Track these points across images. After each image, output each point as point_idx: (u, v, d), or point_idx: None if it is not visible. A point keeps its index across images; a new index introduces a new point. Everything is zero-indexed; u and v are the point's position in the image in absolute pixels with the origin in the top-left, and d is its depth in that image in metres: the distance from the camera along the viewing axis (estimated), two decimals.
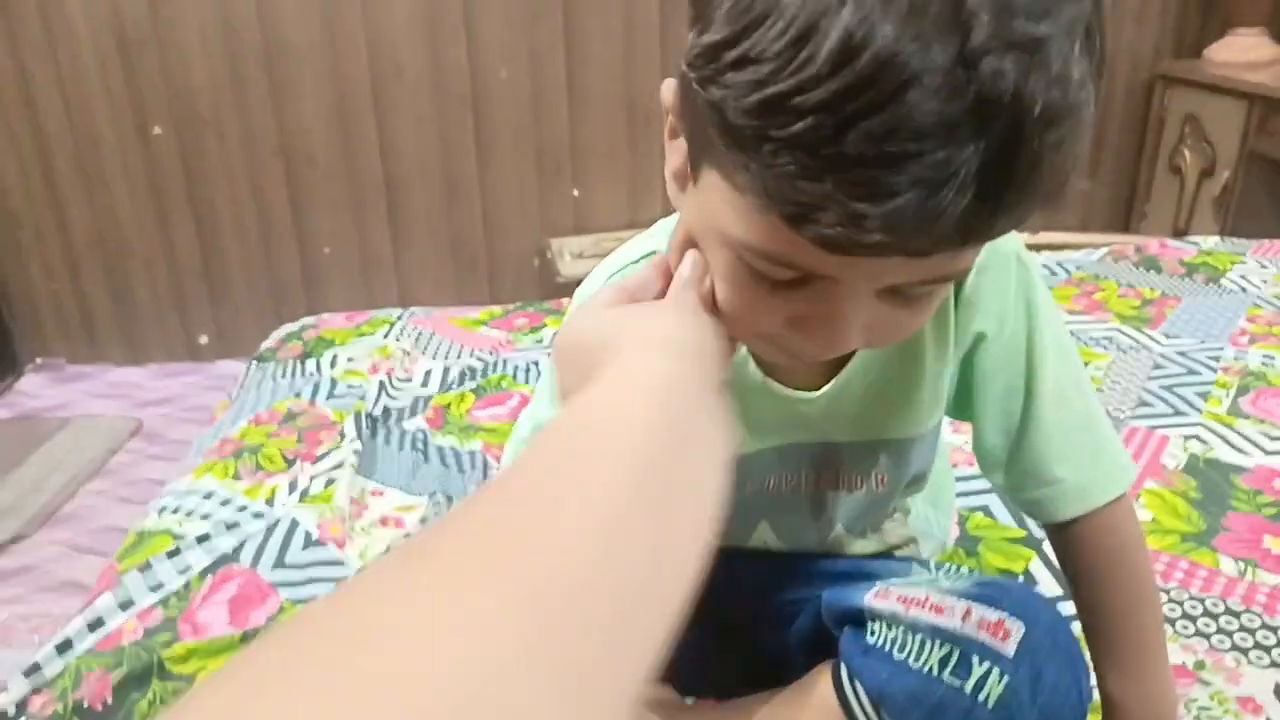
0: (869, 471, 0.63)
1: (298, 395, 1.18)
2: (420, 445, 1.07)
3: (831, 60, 0.33)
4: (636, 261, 0.58)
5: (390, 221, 2.47)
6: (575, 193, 2.49)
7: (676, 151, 0.47)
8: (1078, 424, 0.59)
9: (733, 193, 0.41)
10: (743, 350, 0.57)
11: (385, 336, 1.34)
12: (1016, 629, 0.52)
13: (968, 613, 0.53)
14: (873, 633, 0.57)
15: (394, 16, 2.28)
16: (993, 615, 0.53)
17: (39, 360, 2.50)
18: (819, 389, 0.58)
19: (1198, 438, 1.02)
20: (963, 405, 0.62)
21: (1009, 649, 0.51)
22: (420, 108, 2.36)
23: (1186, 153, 2.48)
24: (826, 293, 0.42)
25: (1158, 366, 1.19)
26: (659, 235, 0.58)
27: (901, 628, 0.55)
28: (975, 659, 0.51)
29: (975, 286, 0.56)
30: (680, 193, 0.48)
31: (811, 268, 0.41)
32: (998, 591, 0.55)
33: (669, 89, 0.46)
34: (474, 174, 2.44)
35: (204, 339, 2.52)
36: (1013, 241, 0.57)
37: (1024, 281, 0.58)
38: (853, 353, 0.57)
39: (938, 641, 0.53)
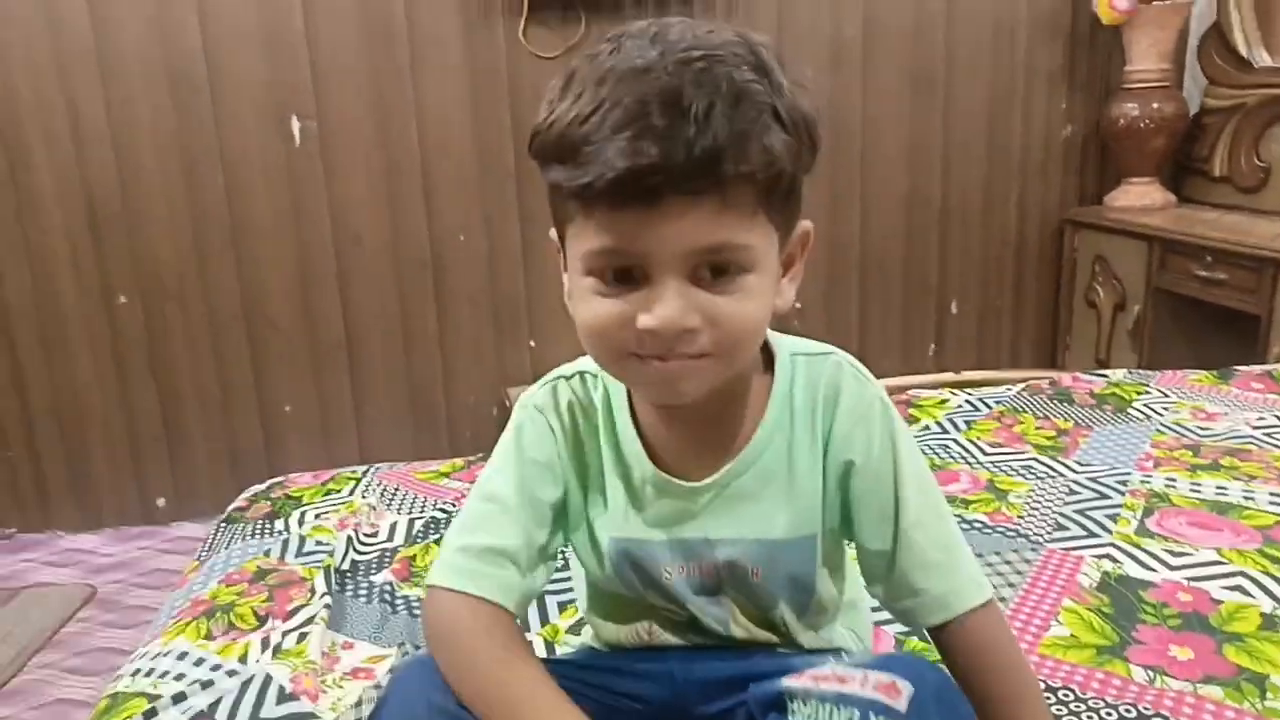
0: (744, 563, 0.74)
1: (267, 554, 1.22)
2: (388, 597, 1.12)
3: (591, 99, 0.59)
4: (569, 378, 0.78)
5: (351, 379, 2.54)
6: (532, 344, 2.60)
7: (565, 277, 0.69)
8: (937, 545, 0.72)
9: (574, 226, 0.64)
10: (638, 447, 0.74)
11: (351, 493, 1.40)
12: (906, 688, 0.61)
13: (865, 678, 0.63)
14: (792, 712, 0.65)
15: (355, 189, 2.43)
16: (886, 678, 0.62)
17: None
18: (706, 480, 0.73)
19: (1109, 557, 1.11)
20: (847, 528, 0.75)
21: (901, 704, 0.60)
22: (380, 272, 2.48)
23: (1099, 290, 2.68)
24: (653, 277, 0.61)
25: (1072, 492, 1.29)
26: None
27: (814, 701, 0.64)
28: (872, 715, 0.60)
29: (845, 424, 0.72)
30: (569, 301, 0.69)
31: (631, 245, 0.61)
32: (890, 661, 0.67)
33: (553, 233, 0.69)
34: (433, 330, 2.55)
35: (161, 501, 2.53)
36: (877, 389, 0.74)
37: (886, 420, 0.72)
38: (735, 456, 0.72)
39: (842, 706, 0.62)
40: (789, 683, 0.66)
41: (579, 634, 1.01)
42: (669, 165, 0.57)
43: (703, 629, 0.78)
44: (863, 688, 0.62)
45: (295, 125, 2.36)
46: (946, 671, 0.68)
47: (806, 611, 0.78)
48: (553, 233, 0.70)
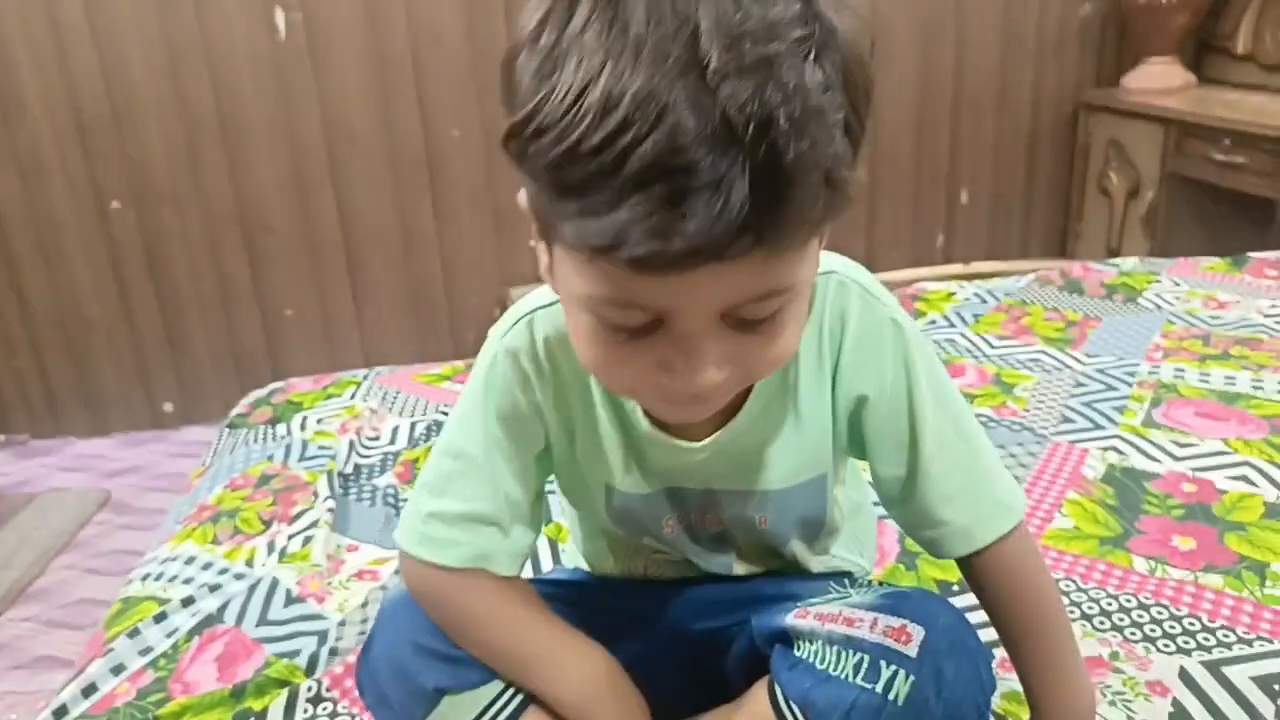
0: (750, 514, 0.69)
1: (270, 459, 1.22)
2: (391, 500, 1.12)
3: (600, 110, 0.41)
4: (547, 306, 0.65)
5: (351, 281, 2.52)
6: (532, 243, 2.56)
7: (542, 250, 0.54)
8: (960, 469, 0.65)
9: (572, 255, 0.48)
10: (634, 403, 0.64)
11: (352, 397, 1.39)
12: (918, 632, 0.58)
13: (874, 622, 0.60)
14: (798, 649, 0.62)
15: (346, 85, 2.35)
16: (896, 622, 0.59)
17: (2, 437, 2.50)
18: (706, 439, 0.64)
19: (1115, 449, 1.11)
20: (859, 452, 0.69)
21: (912, 650, 0.57)
22: (375, 171, 2.42)
23: (1113, 175, 2.61)
24: (676, 331, 0.49)
25: (1079, 384, 1.27)
26: None
27: (820, 641, 0.61)
28: (883, 663, 0.57)
29: (854, 354, 0.64)
30: (548, 277, 0.55)
31: (650, 302, 0.48)
32: (900, 601, 0.62)
33: (523, 196, 0.52)
34: (431, 231, 2.50)
35: (169, 406, 2.54)
36: (888, 308, 0.64)
37: (899, 343, 0.64)
38: (739, 407, 0.64)
39: (850, 650, 0.59)
40: (794, 622, 0.64)
41: None
42: (710, 244, 0.42)
43: (700, 569, 0.74)
44: (872, 631, 0.59)
45: (280, 17, 2.27)
46: (958, 611, 0.62)
47: (818, 539, 0.74)
48: (522, 198, 0.52)
